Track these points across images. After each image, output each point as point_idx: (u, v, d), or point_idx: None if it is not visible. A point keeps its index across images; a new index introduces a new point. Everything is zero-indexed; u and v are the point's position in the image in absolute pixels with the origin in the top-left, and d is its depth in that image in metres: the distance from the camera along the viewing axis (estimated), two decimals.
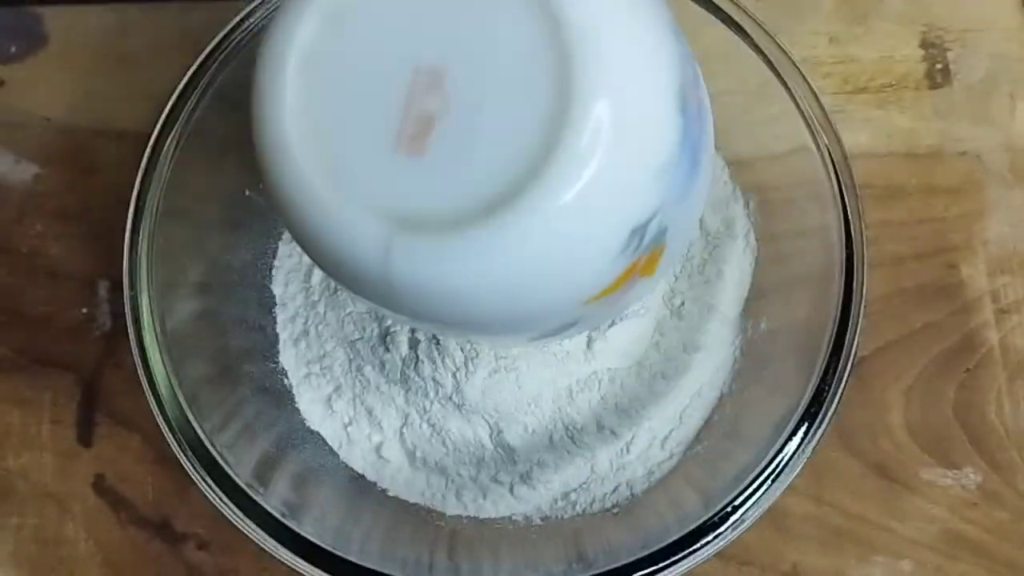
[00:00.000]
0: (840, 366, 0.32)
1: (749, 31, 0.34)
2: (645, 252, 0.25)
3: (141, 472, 0.39)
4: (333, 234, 0.23)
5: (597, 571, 0.31)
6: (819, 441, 0.31)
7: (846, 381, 0.32)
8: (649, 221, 0.24)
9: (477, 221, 0.22)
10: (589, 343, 0.36)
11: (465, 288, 0.24)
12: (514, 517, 0.37)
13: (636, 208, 0.24)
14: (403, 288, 0.24)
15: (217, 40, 0.34)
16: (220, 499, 0.31)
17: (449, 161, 0.23)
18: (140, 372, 0.32)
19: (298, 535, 0.31)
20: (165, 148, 0.33)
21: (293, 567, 0.31)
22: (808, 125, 0.34)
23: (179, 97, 0.34)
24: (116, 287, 0.40)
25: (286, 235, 0.39)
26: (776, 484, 0.31)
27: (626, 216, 0.24)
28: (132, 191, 0.33)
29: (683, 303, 0.38)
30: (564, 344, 0.36)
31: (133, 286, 0.33)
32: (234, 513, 0.31)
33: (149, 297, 0.33)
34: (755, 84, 0.35)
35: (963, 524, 0.39)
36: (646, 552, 0.30)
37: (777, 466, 0.31)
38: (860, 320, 0.32)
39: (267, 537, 0.31)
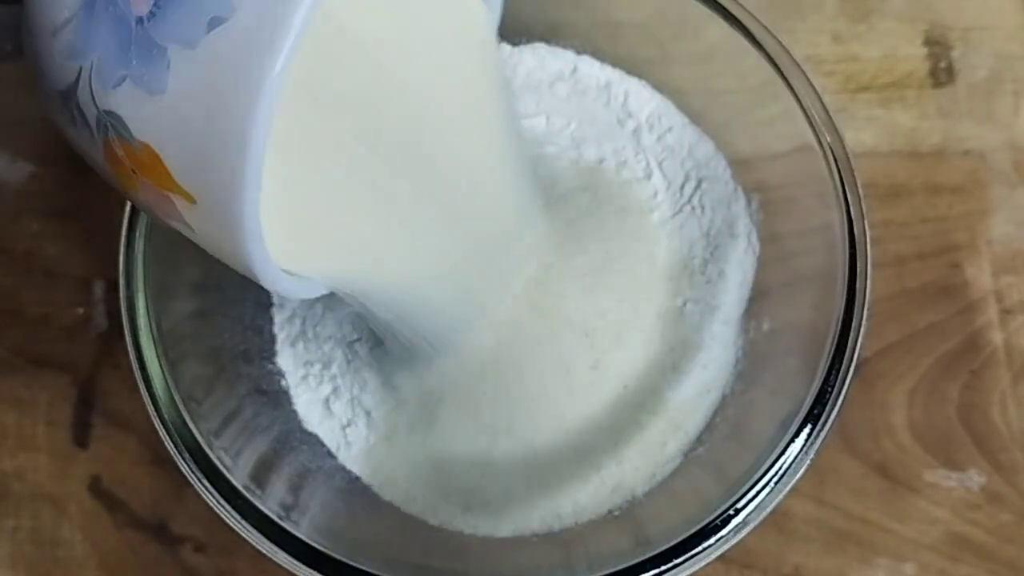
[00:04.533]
0: (843, 367, 0.31)
1: (751, 29, 0.34)
2: (103, 136, 0.23)
3: (138, 474, 0.39)
4: None
5: (598, 574, 0.30)
6: (822, 443, 0.31)
7: (849, 382, 0.32)
8: (72, 89, 0.23)
9: None
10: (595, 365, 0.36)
11: None
12: None
13: (49, 67, 0.23)
14: None
15: None
16: (217, 501, 0.31)
17: None
18: (136, 373, 0.32)
19: (296, 538, 0.31)
20: None
21: (291, 570, 0.31)
22: (810, 124, 0.34)
23: None
24: (112, 287, 0.40)
25: None
26: (779, 486, 0.31)
27: (48, 73, 0.23)
28: None
29: (684, 303, 0.38)
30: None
31: (129, 286, 0.32)
32: (231, 515, 0.31)
33: (145, 297, 0.32)
34: (757, 83, 0.35)
35: (966, 526, 0.39)
36: (647, 555, 0.30)
37: (780, 468, 0.31)
38: (864, 321, 0.32)
39: (264, 540, 0.31)
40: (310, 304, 0.38)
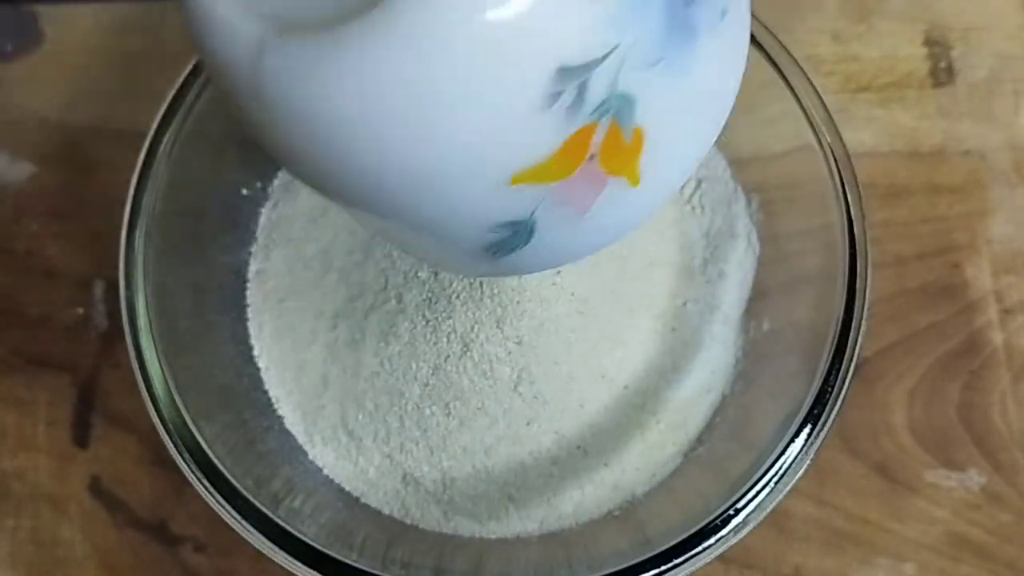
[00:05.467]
0: (843, 367, 0.32)
1: (751, 29, 0.34)
2: (594, 120, 0.20)
3: (137, 474, 0.39)
4: (208, 32, 0.21)
5: (598, 574, 0.30)
6: (822, 443, 0.31)
7: (849, 382, 0.32)
8: (590, 67, 0.19)
9: (353, 16, 0.18)
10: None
11: (345, 109, 0.19)
12: None
13: (561, 38, 0.19)
14: (275, 102, 0.20)
15: None
16: (217, 501, 0.31)
17: None
18: (136, 373, 0.32)
19: (296, 538, 0.31)
20: (162, 147, 0.33)
21: (291, 570, 0.31)
22: (811, 124, 0.34)
23: (176, 95, 0.34)
24: (112, 287, 0.40)
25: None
26: (779, 486, 0.31)
27: (546, 44, 0.19)
28: (129, 190, 0.33)
29: (684, 303, 0.38)
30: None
31: (129, 286, 0.32)
32: (231, 515, 0.31)
33: (145, 297, 0.32)
34: (757, 83, 0.35)
35: (966, 526, 0.39)
36: (647, 555, 0.30)
37: (780, 468, 0.31)
38: (864, 321, 0.32)
39: (264, 539, 0.31)
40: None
